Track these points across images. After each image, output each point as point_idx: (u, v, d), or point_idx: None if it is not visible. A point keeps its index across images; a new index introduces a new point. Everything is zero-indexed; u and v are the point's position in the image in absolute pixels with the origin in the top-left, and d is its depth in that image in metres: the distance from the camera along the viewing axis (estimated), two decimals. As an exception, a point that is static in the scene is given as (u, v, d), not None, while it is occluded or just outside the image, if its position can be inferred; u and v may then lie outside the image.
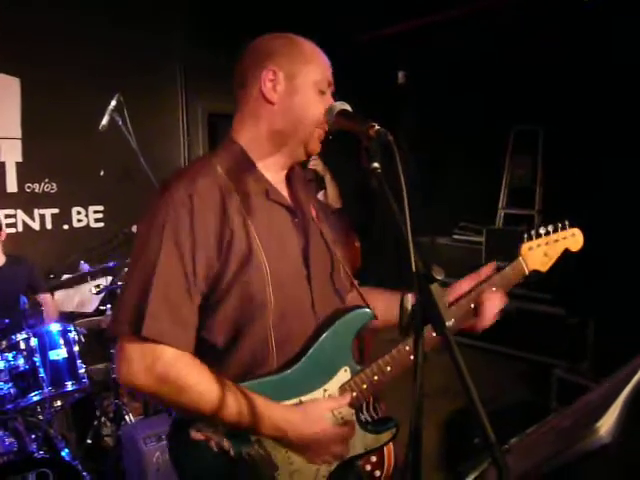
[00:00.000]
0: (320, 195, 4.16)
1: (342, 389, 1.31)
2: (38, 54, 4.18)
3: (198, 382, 1.16)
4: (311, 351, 1.26)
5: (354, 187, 4.23)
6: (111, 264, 3.26)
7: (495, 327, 1.46)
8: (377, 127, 1.03)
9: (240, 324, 1.21)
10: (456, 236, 5.97)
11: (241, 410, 1.16)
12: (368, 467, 2.89)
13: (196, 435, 1.19)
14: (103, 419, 3.58)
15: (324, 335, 1.28)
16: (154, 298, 1.14)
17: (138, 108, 3.35)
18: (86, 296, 3.97)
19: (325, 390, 1.29)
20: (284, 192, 1.35)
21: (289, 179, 1.39)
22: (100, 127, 3.08)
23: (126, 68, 4.33)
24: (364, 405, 1.46)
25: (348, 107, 1.23)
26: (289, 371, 1.24)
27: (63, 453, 2.73)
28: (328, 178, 4.12)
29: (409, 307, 0.89)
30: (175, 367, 1.15)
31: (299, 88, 1.26)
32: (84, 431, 3.50)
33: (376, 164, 1.00)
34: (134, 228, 4.15)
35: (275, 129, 1.28)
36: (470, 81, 5.54)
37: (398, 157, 0.94)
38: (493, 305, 1.42)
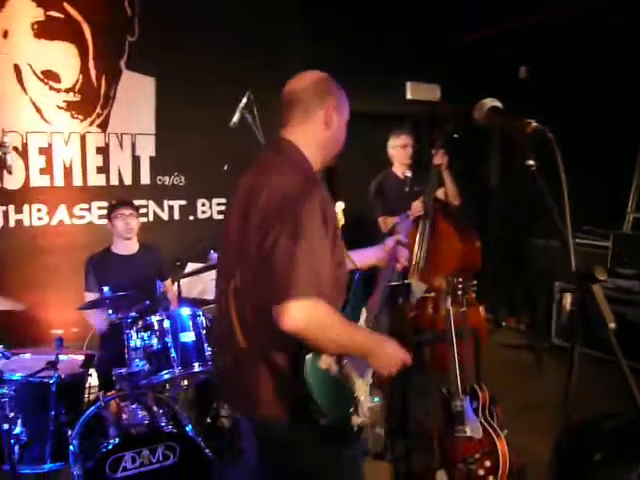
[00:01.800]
0: (440, 192, 4.12)
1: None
2: (172, 55, 4.47)
3: (340, 320, 1.61)
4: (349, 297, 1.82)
5: (470, 185, 4.16)
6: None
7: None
8: (534, 124, 1.02)
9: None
10: (579, 240, 5.67)
11: (359, 334, 1.72)
12: (481, 472, 2.84)
13: (324, 362, 1.63)
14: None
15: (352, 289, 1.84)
16: (316, 267, 1.52)
17: (265, 105, 3.47)
18: (208, 284, 4.16)
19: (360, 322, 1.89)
20: None
21: None
22: (231, 124, 3.23)
23: (254, 66, 4.53)
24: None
25: (499, 104, 1.23)
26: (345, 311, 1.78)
27: (187, 429, 2.90)
28: (447, 175, 4.08)
29: (567, 307, 0.87)
30: (330, 314, 1.57)
31: (342, 122, 1.81)
32: (202, 411, 3.70)
33: (531, 161, 0.99)
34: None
35: (324, 146, 1.79)
36: (598, 77, 5.24)
37: (558, 155, 0.92)
38: None
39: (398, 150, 4.36)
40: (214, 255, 3.46)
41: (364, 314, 1.89)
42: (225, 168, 4.67)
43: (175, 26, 4.48)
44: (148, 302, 2.96)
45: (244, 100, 3.21)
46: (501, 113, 1.18)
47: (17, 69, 4.22)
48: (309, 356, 1.61)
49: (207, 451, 2.80)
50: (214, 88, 4.54)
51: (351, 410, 1.72)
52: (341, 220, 4.31)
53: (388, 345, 1.75)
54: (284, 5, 4.83)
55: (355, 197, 4.65)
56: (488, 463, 2.80)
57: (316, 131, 1.76)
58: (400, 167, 4.35)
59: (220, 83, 4.53)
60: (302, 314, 1.48)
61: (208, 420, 3.62)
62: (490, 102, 1.22)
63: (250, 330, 1.68)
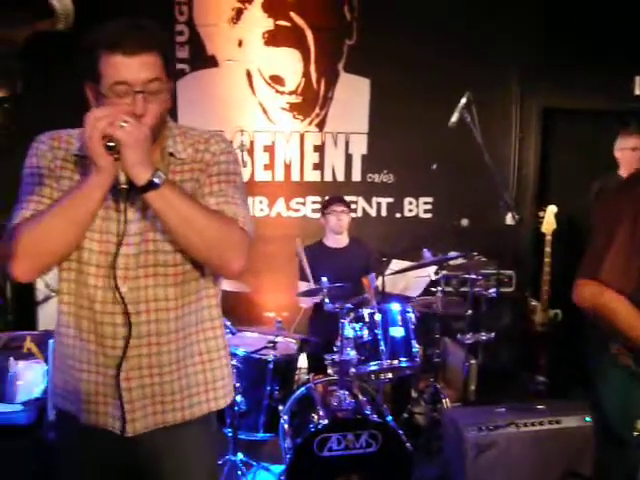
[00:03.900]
0: None
1: None
2: (388, 57, 4.59)
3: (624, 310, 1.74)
4: None
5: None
6: (452, 255, 3.43)
7: None
8: None
9: None
10: None
11: None
12: None
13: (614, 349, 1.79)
14: (417, 398, 3.82)
15: None
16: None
17: (482, 106, 3.44)
18: (411, 282, 4.21)
19: None
20: None
21: None
22: (449, 124, 3.25)
23: (472, 67, 4.48)
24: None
25: None
26: None
27: (389, 420, 2.97)
28: None
29: None
30: (614, 300, 1.74)
31: None
32: (398, 406, 3.76)
33: None
34: (464, 222, 4.29)
35: None
36: None
37: None
38: None
39: (627, 153, 3.99)
40: (428, 254, 3.49)
41: None
42: (433, 167, 4.70)
43: (392, 28, 4.58)
44: (366, 296, 3.09)
45: (463, 100, 3.20)
46: None
47: (248, 74, 4.66)
48: None
49: (408, 445, 2.85)
50: (428, 89, 4.60)
51: None
52: (552, 224, 4.09)
53: None
54: (502, 5, 4.69)
55: (569, 201, 4.39)
56: None
57: None
58: (627, 172, 3.98)
59: (434, 84, 4.57)
60: None
61: (405, 415, 3.68)
62: None
63: None
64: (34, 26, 0.81)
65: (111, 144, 1.27)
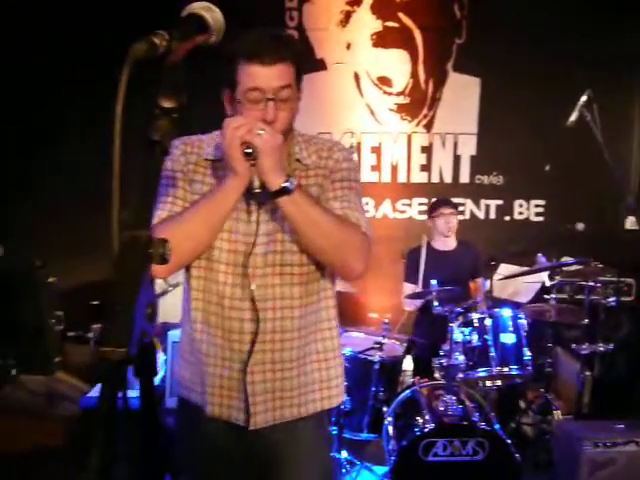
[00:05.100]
0: None
1: None
2: (499, 55, 4.46)
3: None
4: None
5: None
6: (570, 260, 3.29)
7: None
8: None
9: None
10: None
11: None
12: None
13: None
14: (526, 408, 3.69)
15: None
16: None
17: (603, 105, 3.26)
18: (521, 287, 4.08)
19: None
20: None
21: None
22: (568, 123, 3.12)
23: (591, 66, 4.27)
24: None
25: None
26: None
27: (497, 428, 2.89)
28: None
29: None
30: None
31: None
32: (505, 415, 3.64)
33: None
34: (579, 226, 4.10)
35: None
36: None
37: None
38: None
39: None
40: (542, 259, 3.37)
41: None
42: (547, 168, 4.51)
43: (504, 26, 4.45)
44: (478, 299, 3.04)
45: (584, 98, 3.06)
46: None
47: (356, 76, 4.71)
48: None
49: (517, 455, 2.76)
50: (542, 87, 4.42)
51: None
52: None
53: None
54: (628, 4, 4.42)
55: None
56: None
57: None
58: None
59: (549, 82, 4.40)
60: None
61: (512, 425, 3.57)
62: None
63: None
64: (194, 40, 0.88)
65: (248, 150, 1.34)
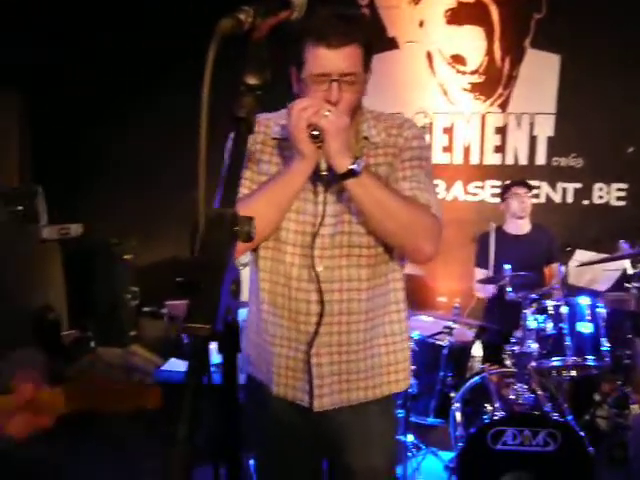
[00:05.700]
0: None
1: None
2: (581, 31, 4.25)
3: None
4: None
5: None
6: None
7: None
8: None
9: None
10: None
11: None
12: None
13: None
14: (601, 400, 3.55)
15: None
16: None
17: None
18: (599, 274, 3.91)
19: None
20: None
21: None
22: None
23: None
24: None
25: None
26: None
27: (570, 420, 2.80)
28: None
29: None
30: None
31: None
32: (579, 407, 3.52)
33: None
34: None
35: None
36: None
37: None
38: None
39: None
40: (626, 245, 3.21)
41: None
42: (630, 150, 4.29)
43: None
44: (556, 286, 2.93)
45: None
46: None
47: (429, 55, 4.59)
48: None
49: (590, 449, 2.66)
50: (626, 64, 4.20)
51: None
52: None
53: None
54: None
55: None
56: None
57: None
58: None
59: (634, 59, 4.16)
60: None
61: (586, 418, 3.45)
62: None
63: None
64: (278, 16, 0.87)
65: (315, 133, 1.32)
